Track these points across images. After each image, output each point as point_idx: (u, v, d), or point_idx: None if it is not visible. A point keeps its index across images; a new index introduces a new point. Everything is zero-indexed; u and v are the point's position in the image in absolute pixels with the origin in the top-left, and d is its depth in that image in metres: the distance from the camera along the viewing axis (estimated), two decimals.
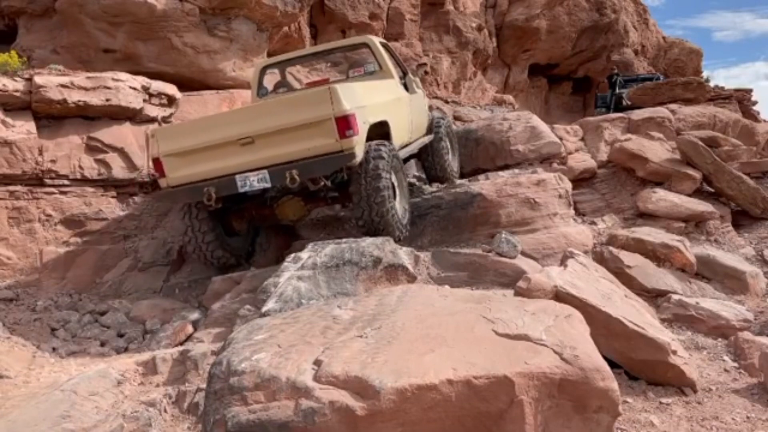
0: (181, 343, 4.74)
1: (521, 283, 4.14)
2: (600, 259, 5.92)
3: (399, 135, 5.94)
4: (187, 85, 8.14)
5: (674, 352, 3.90)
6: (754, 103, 17.94)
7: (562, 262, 4.79)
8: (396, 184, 5.34)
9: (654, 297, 5.63)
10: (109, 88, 6.55)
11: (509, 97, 17.68)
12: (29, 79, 6.24)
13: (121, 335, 5.21)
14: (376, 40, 6.70)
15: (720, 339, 4.87)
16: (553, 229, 5.76)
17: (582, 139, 9.37)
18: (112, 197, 6.60)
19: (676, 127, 9.80)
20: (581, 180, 8.35)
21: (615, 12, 20.32)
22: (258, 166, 4.92)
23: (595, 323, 3.47)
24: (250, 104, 6.93)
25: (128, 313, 5.56)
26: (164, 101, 7.20)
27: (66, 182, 6.36)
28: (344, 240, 4.74)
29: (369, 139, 5.08)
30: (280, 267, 4.54)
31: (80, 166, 6.41)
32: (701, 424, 3.47)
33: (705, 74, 24.63)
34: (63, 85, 6.31)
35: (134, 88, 6.76)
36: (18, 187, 6.12)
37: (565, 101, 22.77)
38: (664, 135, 9.29)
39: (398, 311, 3.18)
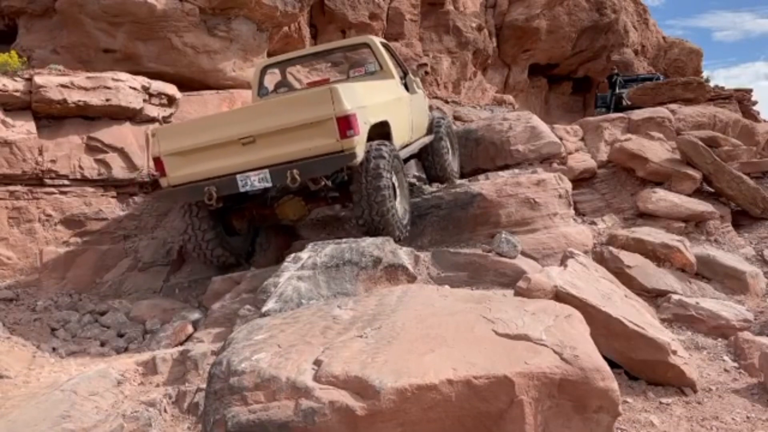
0: (181, 343, 4.74)
1: (521, 283, 4.14)
2: (600, 259, 5.92)
3: (399, 135, 5.95)
4: (187, 85, 8.14)
5: (674, 352, 3.90)
6: (754, 103, 17.96)
7: (562, 262, 4.79)
8: (396, 184, 5.34)
9: (654, 297, 5.63)
10: (109, 88, 6.55)
11: (509, 97, 17.68)
12: (29, 79, 6.24)
13: (121, 335, 5.21)
14: (377, 40, 6.70)
15: (720, 339, 4.87)
16: (553, 229, 5.76)
17: (582, 139, 9.36)
18: (112, 197, 6.61)
19: (676, 127, 9.80)
20: (581, 180, 8.35)
21: (615, 12, 20.32)
22: (259, 166, 4.92)
23: (595, 323, 3.47)
24: (251, 104, 6.93)
25: (128, 313, 5.56)
26: (164, 101, 7.20)
27: (66, 182, 6.36)
28: (344, 240, 4.74)
29: (370, 139, 5.08)
30: (280, 267, 4.54)
31: (80, 166, 6.42)
32: (701, 424, 3.47)
33: (705, 74, 24.68)
34: (63, 85, 6.31)
35: (134, 88, 6.76)
36: (18, 187, 6.12)
37: (565, 101, 22.77)
38: (664, 135, 9.28)
39: (398, 311, 3.18)
